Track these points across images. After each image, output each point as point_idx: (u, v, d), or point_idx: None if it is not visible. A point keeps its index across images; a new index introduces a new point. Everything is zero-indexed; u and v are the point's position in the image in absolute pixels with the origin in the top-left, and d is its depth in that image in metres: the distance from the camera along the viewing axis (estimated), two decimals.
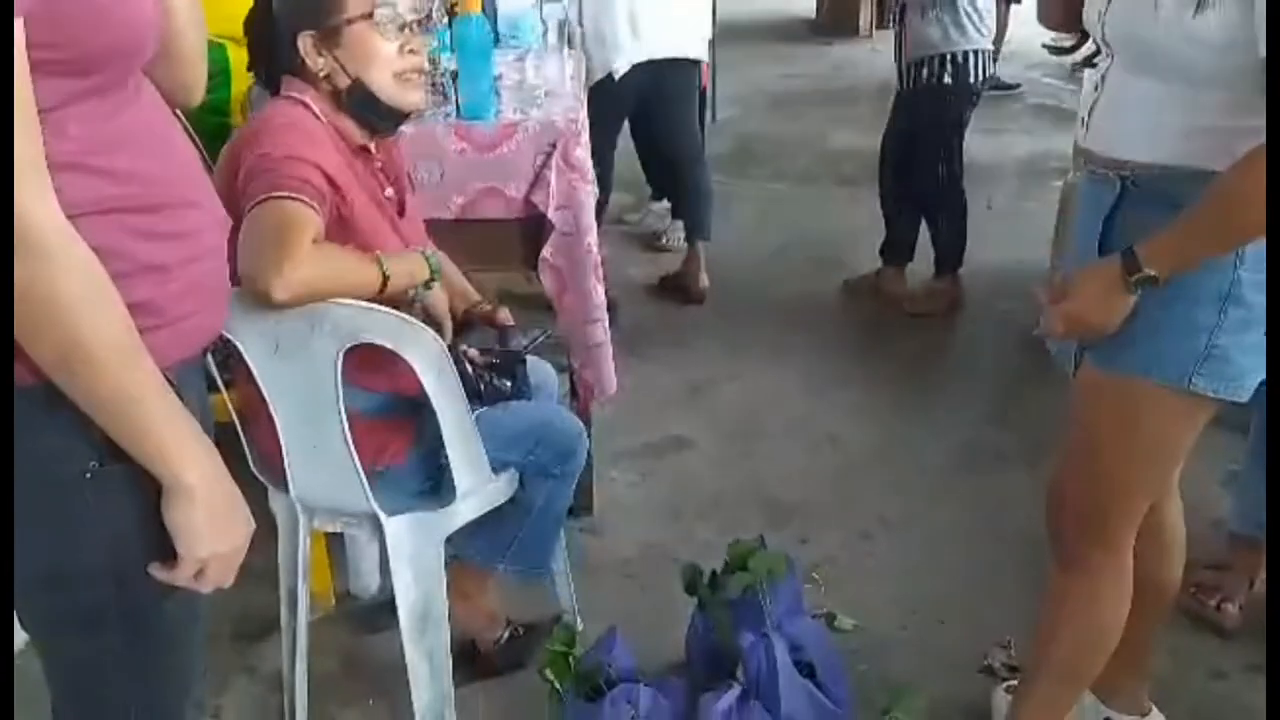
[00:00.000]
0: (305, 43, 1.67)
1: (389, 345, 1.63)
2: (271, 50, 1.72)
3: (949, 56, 3.37)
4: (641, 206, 4.47)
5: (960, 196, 3.62)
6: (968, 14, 3.34)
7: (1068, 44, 1.61)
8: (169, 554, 1.03)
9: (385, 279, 1.62)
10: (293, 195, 1.54)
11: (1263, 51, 1.24)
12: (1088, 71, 1.57)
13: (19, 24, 0.83)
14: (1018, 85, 6.35)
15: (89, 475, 0.99)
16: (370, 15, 1.66)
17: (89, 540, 1.01)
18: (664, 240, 4.22)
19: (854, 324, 3.67)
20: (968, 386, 3.20)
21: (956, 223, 3.64)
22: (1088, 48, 1.54)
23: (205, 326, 1.09)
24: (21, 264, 0.86)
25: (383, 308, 1.65)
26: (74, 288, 0.89)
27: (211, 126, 1.99)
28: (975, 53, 3.38)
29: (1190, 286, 1.37)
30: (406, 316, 1.68)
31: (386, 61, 1.69)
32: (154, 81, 1.07)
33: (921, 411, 3.07)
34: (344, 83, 1.69)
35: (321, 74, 1.69)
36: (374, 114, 1.73)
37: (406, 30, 1.70)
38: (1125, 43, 1.41)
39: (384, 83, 1.70)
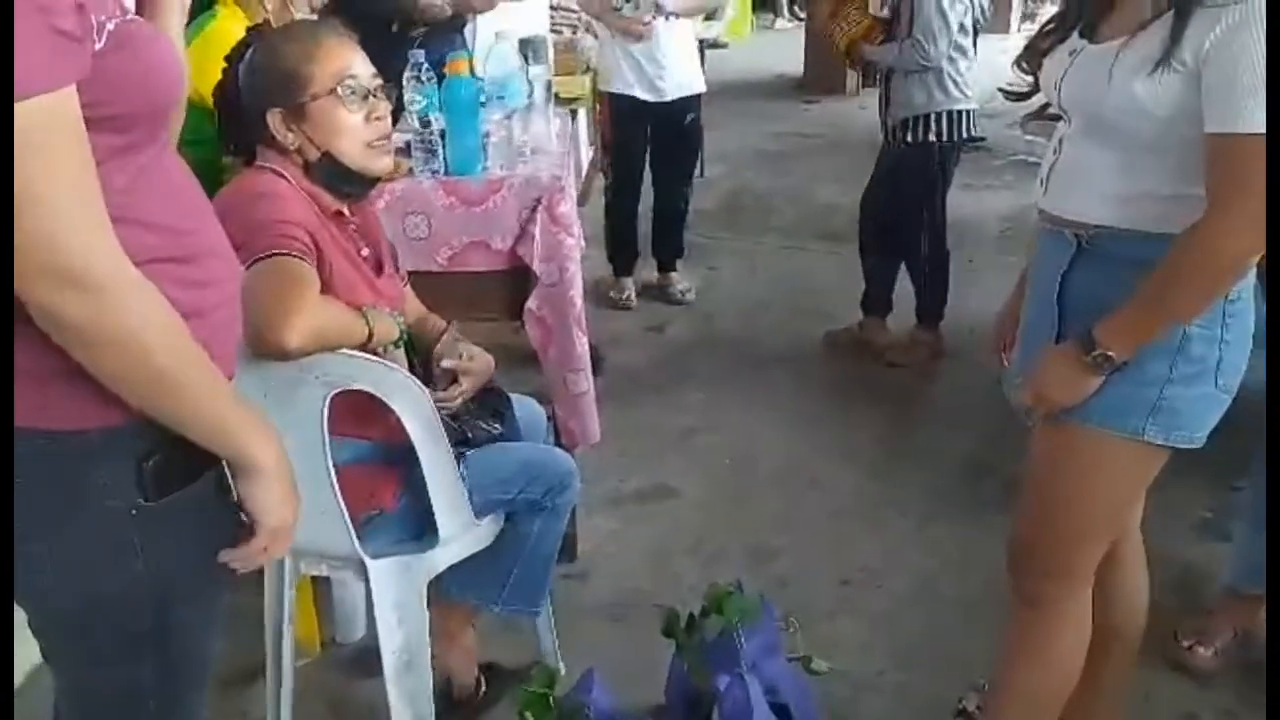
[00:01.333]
0: (274, 119, 1.71)
1: (376, 393, 1.69)
2: (241, 124, 1.76)
3: (933, 116, 3.45)
4: (619, 285, 4.36)
5: (943, 250, 3.69)
6: (950, 75, 3.42)
7: (1023, 90, 1.65)
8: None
9: (370, 333, 1.70)
10: (292, 253, 1.61)
11: (1211, 126, 1.30)
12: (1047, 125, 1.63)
13: (72, 88, 0.89)
14: (983, 137, 6.44)
15: (134, 511, 1.05)
16: (334, 90, 1.69)
17: (132, 569, 1.08)
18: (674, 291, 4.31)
19: (837, 374, 3.72)
20: (948, 434, 3.25)
21: (939, 276, 3.70)
22: (1041, 97, 1.60)
23: (223, 370, 1.14)
24: (86, 304, 0.92)
25: (370, 356, 1.71)
26: (138, 318, 0.95)
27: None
28: (959, 112, 3.46)
29: None
30: (393, 365, 1.74)
31: (354, 132, 1.72)
32: None
33: (902, 459, 3.12)
34: (314, 155, 1.73)
35: (292, 147, 1.72)
36: (345, 182, 1.77)
37: (370, 98, 1.74)
38: (1079, 108, 1.48)
39: (353, 153, 1.74)
